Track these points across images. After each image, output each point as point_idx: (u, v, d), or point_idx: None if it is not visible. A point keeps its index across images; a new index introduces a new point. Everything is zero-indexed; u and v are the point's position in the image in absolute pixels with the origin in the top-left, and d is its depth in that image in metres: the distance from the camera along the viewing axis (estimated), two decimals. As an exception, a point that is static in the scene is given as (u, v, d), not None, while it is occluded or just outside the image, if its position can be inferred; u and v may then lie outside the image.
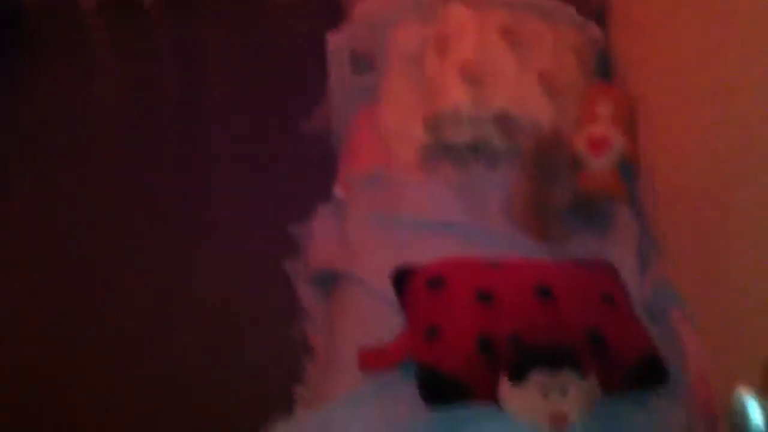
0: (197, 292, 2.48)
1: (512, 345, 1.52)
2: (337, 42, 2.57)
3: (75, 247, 2.66)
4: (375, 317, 1.77)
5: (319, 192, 2.39)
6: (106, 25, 3.88)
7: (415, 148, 2.23)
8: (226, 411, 2.11)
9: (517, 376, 1.45)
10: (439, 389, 1.52)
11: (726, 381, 1.22)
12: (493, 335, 1.55)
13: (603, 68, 2.41)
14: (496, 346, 1.53)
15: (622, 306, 1.67)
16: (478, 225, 2.00)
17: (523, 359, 1.47)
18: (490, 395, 1.48)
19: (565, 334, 1.55)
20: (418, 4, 2.51)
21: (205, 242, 2.70)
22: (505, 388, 1.46)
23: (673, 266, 1.81)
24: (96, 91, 3.51)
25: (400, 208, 2.07)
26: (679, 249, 1.82)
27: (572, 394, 1.44)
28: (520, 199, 2.02)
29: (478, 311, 1.60)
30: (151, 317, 2.41)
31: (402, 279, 1.76)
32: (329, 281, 2.04)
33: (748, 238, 1.47)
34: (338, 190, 2.23)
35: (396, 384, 1.57)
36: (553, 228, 1.94)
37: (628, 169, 2.05)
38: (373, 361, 1.63)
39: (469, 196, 2.09)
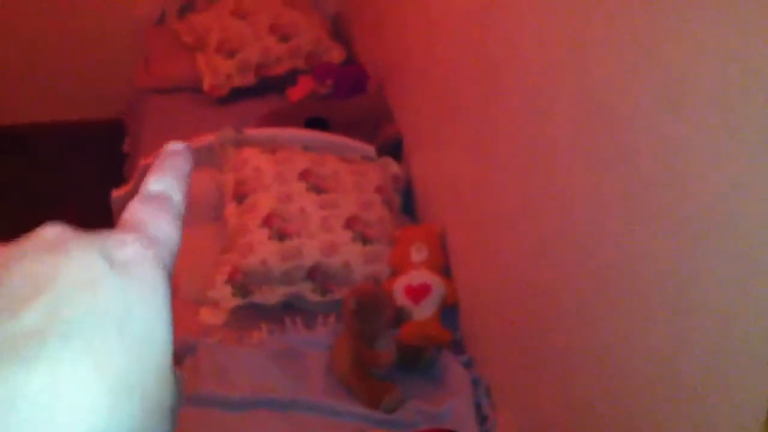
0: None
1: None
2: (122, 197, 2.35)
3: None
4: None
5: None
6: None
7: (223, 311, 2.04)
8: None
9: None
10: None
11: None
12: None
13: (407, 203, 2.38)
14: None
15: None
16: (304, 396, 1.83)
17: None
18: None
19: None
20: (207, 151, 2.36)
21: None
22: None
23: (511, 411, 1.76)
24: None
25: (216, 385, 1.85)
26: (513, 392, 1.77)
27: None
28: (342, 359, 1.88)
29: None
30: None
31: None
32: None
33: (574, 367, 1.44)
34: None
35: None
36: (382, 389, 1.82)
37: (450, 312, 2.00)
38: None
39: (289, 362, 1.92)
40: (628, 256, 1.24)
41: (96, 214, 3.01)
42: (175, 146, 0.45)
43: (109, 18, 3.53)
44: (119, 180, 3.05)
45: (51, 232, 0.35)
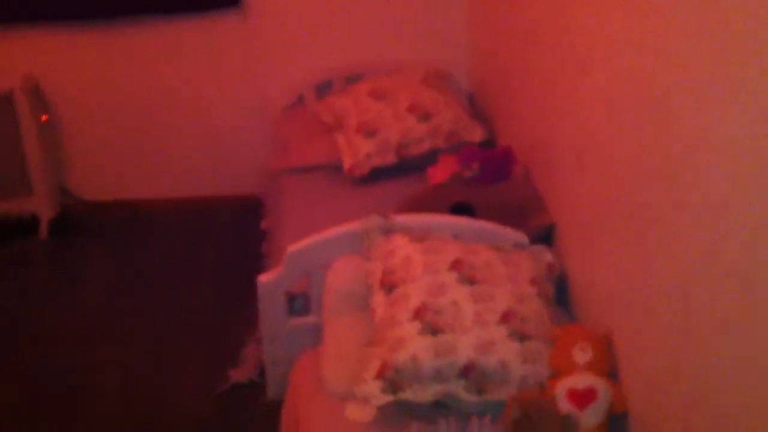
0: None
1: None
2: (269, 283, 2.32)
3: None
4: None
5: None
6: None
7: (372, 408, 1.95)
8: None
9: None
10: None
11: None
12: None
13: (561, 295, 2.25)
14: None
15: None
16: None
17: None
18: None
19: None
20: (354, 238, 2.31)
21: None
22: None
23: None
24: None
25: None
26: None
27: None
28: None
29: None
30: None
31: None
32: None
33: None
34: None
35: None
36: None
37: (617, 420, 1.84)
38: None
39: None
40: None
41: (235, 289, 3.02)
42: None
43: (247, 100, 3.61)
44: (256, 256, 3.07)
45: None
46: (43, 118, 3.44)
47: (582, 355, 1.89)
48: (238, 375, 2.59)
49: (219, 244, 3.52)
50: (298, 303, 2.37)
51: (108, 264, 3.42)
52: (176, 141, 3.68)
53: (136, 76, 3.53)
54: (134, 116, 3.61)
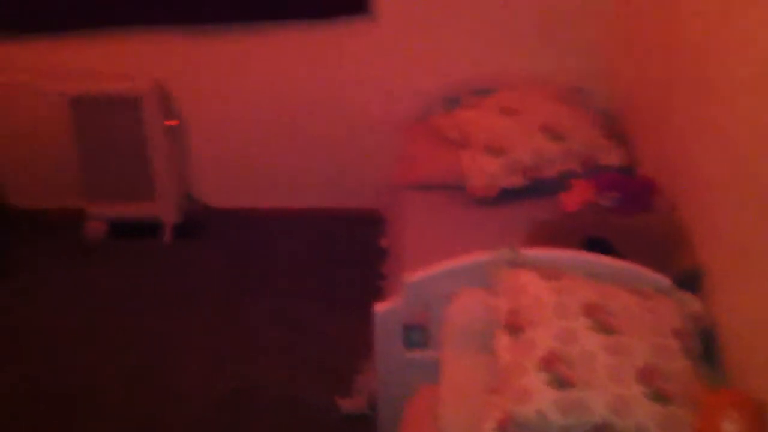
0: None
1: None
2: (386, 313, 2.20)
3: None
4: None
5: None
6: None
7: (490, 461, 1.80)
8: None
9: None
10: None
11: None
12: None
13: (707, 352, 2.01)
14: None
15: None
16: None
17: None
18: None
19: None
20: (478, 269, 2.16)
21: None
22: None
23: None
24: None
25: None
26: None
27: None
28: None
29: None
30: None
31: None
32: None
33: None
34: None
35: None
36: None
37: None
38: None
39: None
40: None
41: (354, 308, 2.90)
42: None
43: (372, 111, 3.51)
44: (372, 275, 2.97)
45: None
46: (170, 123, 3.46)
47: (731, 425, 1.66)
48: (349, 406, 2.49)
49: (329, 257, 3.46)
50: (416, 335, 2.25)
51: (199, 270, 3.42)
52: (298, 150, 3.64)
53: (260, 84, 3.51)
54: (257, 124, 3.59)
